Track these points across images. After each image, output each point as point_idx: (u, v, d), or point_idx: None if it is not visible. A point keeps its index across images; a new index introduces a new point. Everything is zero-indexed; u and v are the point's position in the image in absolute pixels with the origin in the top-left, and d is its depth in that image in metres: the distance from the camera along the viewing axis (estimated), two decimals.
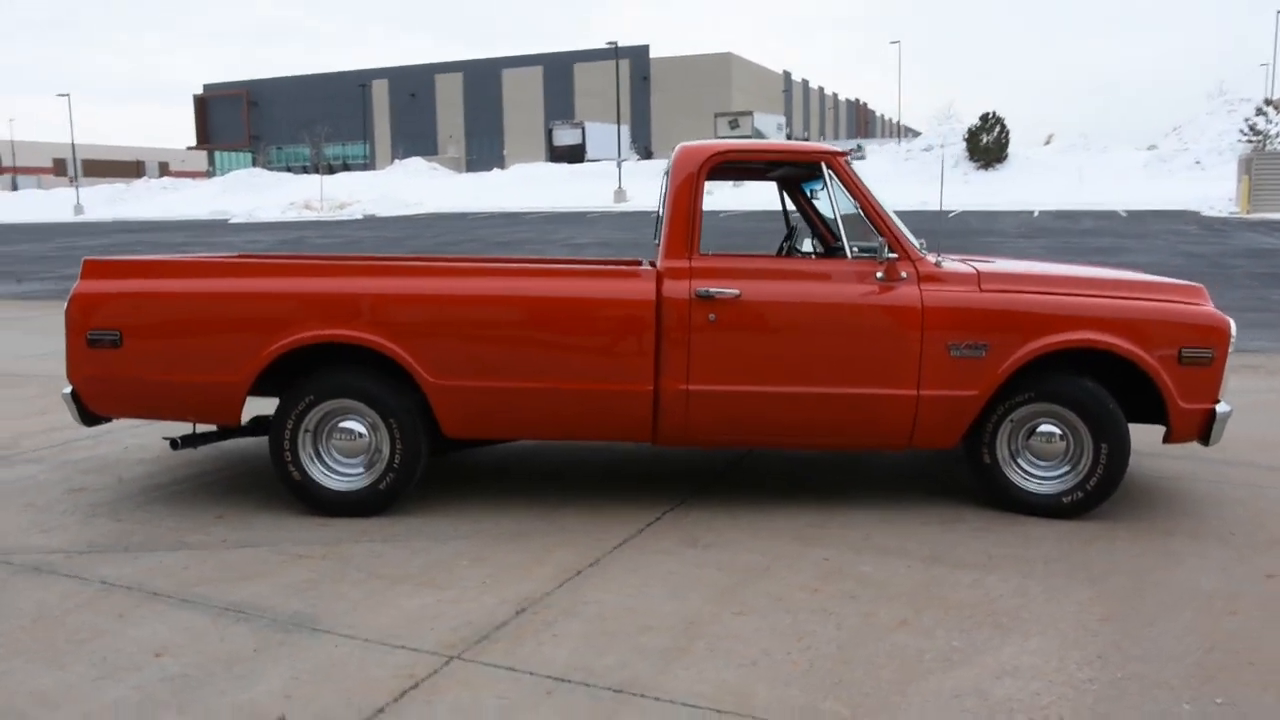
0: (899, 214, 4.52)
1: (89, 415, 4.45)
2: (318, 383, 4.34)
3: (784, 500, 4.59)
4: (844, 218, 4.41)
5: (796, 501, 4.57)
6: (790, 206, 5.58)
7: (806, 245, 5.43)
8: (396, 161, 67.29)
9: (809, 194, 5.43)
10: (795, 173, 5.03)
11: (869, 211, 4.37)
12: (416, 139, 79.90)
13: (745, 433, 4.40)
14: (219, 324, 4.32)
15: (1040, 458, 4.42)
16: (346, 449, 4.41)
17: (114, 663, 3.01)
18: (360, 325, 4.24)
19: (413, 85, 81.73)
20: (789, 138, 65.93)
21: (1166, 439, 4.39)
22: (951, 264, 4.46)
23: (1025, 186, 37.06)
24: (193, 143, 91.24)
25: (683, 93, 71.40)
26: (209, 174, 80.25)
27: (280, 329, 4.26)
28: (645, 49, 73.49)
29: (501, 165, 60.87)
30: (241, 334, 4.28)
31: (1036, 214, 30.07)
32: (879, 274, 4.29)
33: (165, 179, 59.48)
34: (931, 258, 4.40)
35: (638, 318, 4.24)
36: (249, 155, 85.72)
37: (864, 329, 4.28)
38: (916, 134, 59.11)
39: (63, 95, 50.95)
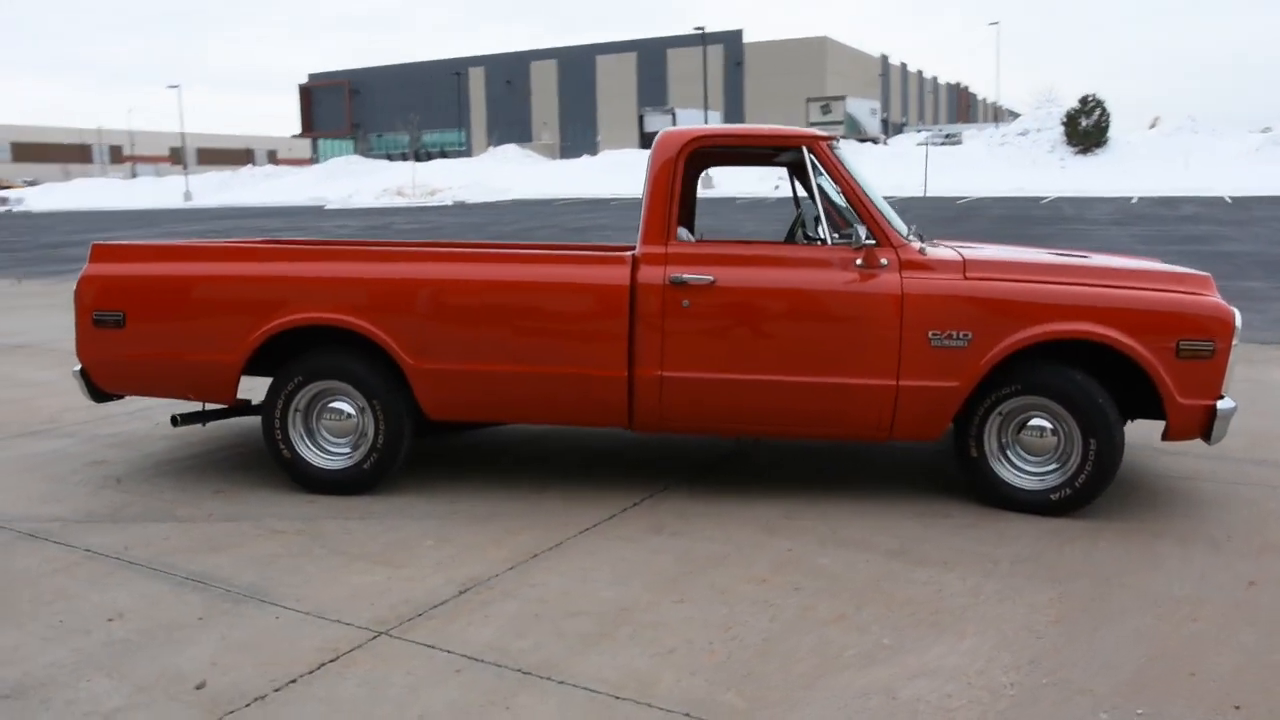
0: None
1: (98, 392, 4.67)
2: (306, 364, 4.46)
3: (768, 489, 4.54)
4: (826, 202, 4.33)
5: (781, 490, 4.51)
6: (801, 192, 5.49)
7: (821, 230, 5.34)
8: (490, 148, 68.45)
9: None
10: (785, 157, 4.94)
11: (850, 196, 4.28)
12: (512, 126, 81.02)
13: (720, 420, 4.37)
14: (214, 306, 4.48)
15: (1031, 452, 4.27)
16: (336, 429, 4.53)
17: (68, 625, 3.18)
18: (344, 309, 4.35)
19: (509, 73, 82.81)
20: (884, 123, 64.61)
21: (1165, 436, 4.19)
22: (938, 250, 4.34)
23: (1126, 172, 35.55)
24: (298, 131, 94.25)
25: (776, 78, 70.60)
26: (313, 161, 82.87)
27: (271, 312, 4.39)
28: (738, 34, 72.91)
29: (594, 152, 61.23)
30: (235, 316, 4.43)
31: (1135, 200, 28.85)
32: (858, 260, 4.19)
33: (268, 166, 61.78)
34: (915, 244, 4.28)
35: (612, 303, 4.24)
36: (351, 143, 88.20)
37: (840, 317, 4.19)
38: (1018, 117, 57.25)
39: (173, 87, 53.34)
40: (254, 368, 4.57)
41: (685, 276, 4.23)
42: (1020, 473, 4.27)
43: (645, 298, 4.24)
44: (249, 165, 67.42)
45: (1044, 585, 3.47)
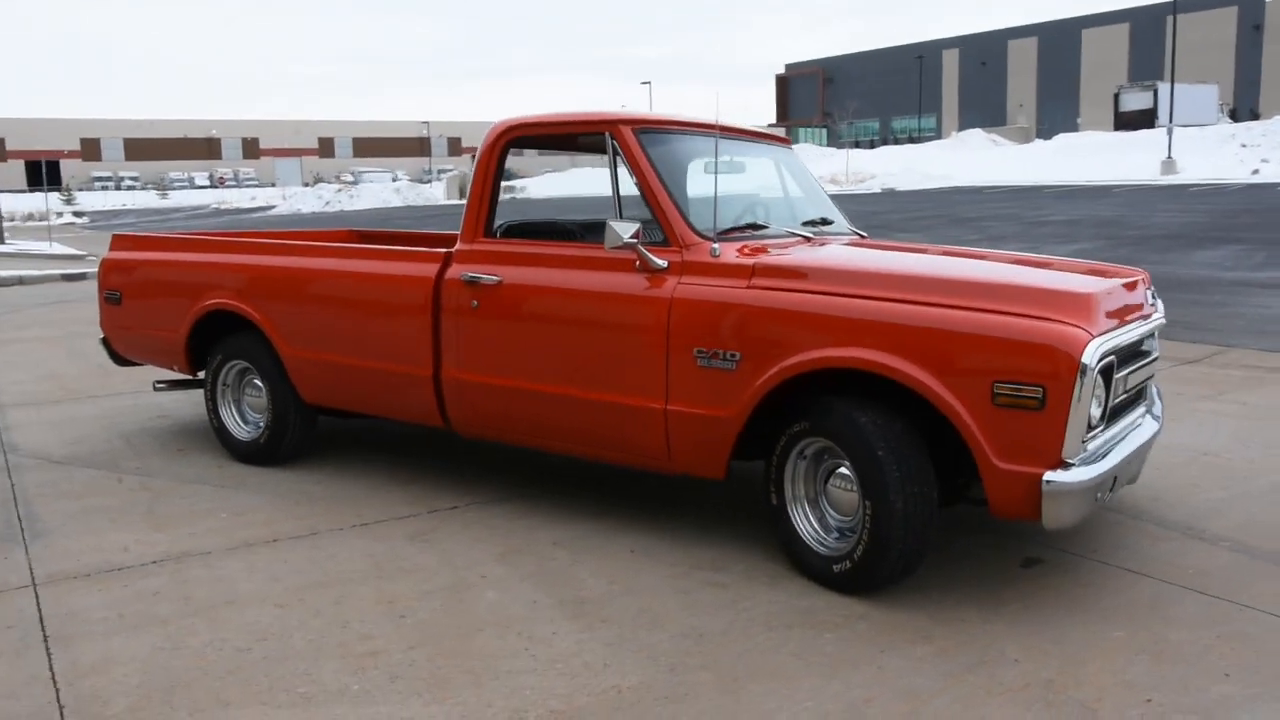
0: None
1: (117, 357, 5.58)
2: (225, 344, 4.95)
3: (626, 515, 4.12)
4: (622, 196, 3.81)
5: (630, 519, 4.08)
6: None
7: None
8: (954, 134, 65.64)
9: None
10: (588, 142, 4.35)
11: (643, 186, 3.74)
12: (985, 109, 76.93)
13: (511, 432, 4.07)
14: (168, 289, 5.12)
15: (837, 509, 3.43)
16: (254, 404, 4.97)
17: None
18: (238, 296, 4.75)
19: (984, 53, 78.55)
20: None
21: (991, 510, 3.11)
22: (735, 252, 3.58)
23: None
24: (773, 120, 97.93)
25: None
26: None
27: (200, 295, 4.94)
28: None
29: (1047, 138, 55.98)
30: (179, 298, 5.04)
31: None
32: (637, 262, 3.66)
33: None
34: (712, 243, 3.59)
35: (416, 300, 4.15)
36: (824, 130, 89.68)
37: (609, 325, 3.69)
38: None
39: (645, 83, 58.48)
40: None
41: (474, 275, 4.00)
42: (818, 531, 3.45)
43: (447, 295, 4.09)
44: None
45: (646, 665, 2.83)
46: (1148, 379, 3.69)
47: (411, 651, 2.95)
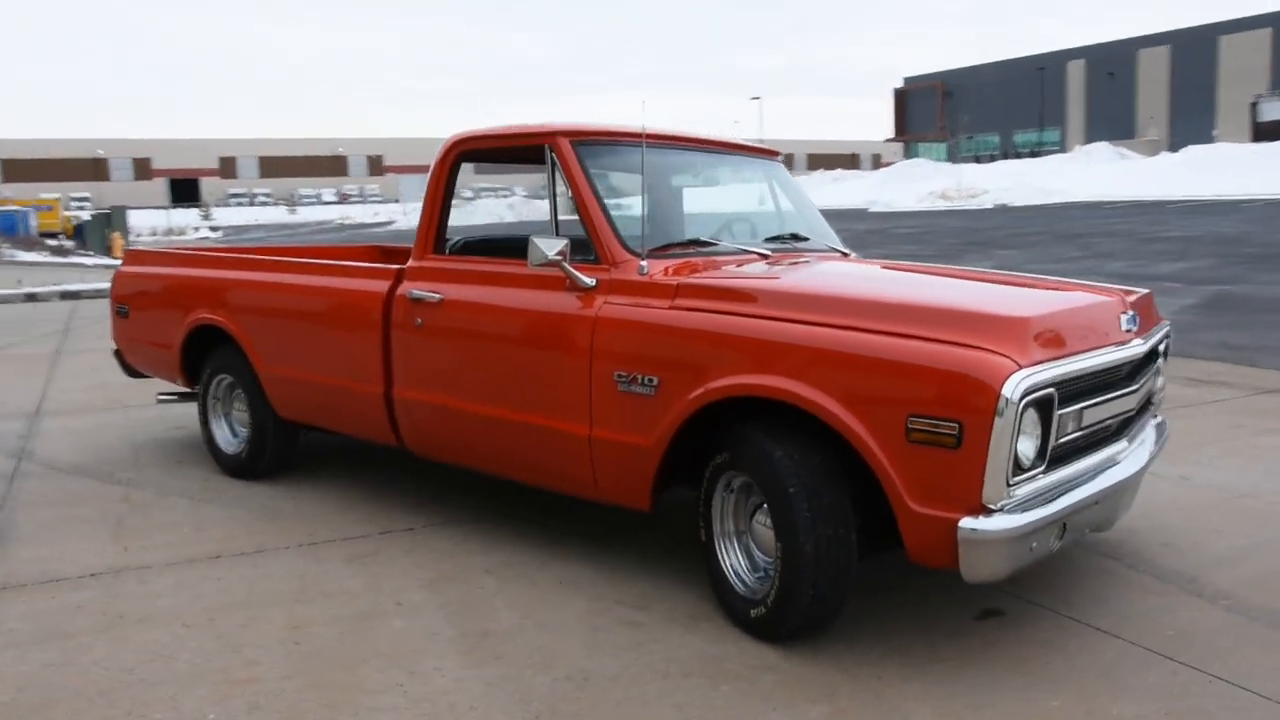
0: None
1: (128, 369, 5.72)
2: (214, 358, 5.00)
3: (561, 545, 3.98)
4: (561, 211, 3.66)
5: (578, 547, 3.93)
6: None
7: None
8: (1078, 147, 63.08)
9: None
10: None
11: (578, 201, 3.58)
12: (1113, 122, 73.71)
13: (455, 453, 3.97)
14: (165, 302, 5.22)
15: (762, 548, 3.20)
16: (240, 419, 5.01)
17: None
18: (221, 311, 4.80)
19: (1112, 64, 75.32)
20: None
21: (909, 556, 2.83)
22: (664, 269, 3.39)
23: None
24: (890, 134, 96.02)
25: None
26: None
27: (191, 309, 5.01)
28: None
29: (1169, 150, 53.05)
30: (174, 311, 5.13)
31: None
32: (567, 280, 3.50)
33: (837, 171, 63.97)
34: (648, 262, 3.40)
35: (367, 317, 4.10)
36: (943, 145, 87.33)
37: (537, 345, 3.55)
38: None
39: (755, 98, 58.23)
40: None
41: (419, 293, 3.92)
42: (746, 571, 3.22)
43: (396, 312, 4.02)
44: (829, 170, 70.44)
45: (514, 710, 2.66)
46: (1129, 412, 3.32)
47: (286, 681, 2.86)
